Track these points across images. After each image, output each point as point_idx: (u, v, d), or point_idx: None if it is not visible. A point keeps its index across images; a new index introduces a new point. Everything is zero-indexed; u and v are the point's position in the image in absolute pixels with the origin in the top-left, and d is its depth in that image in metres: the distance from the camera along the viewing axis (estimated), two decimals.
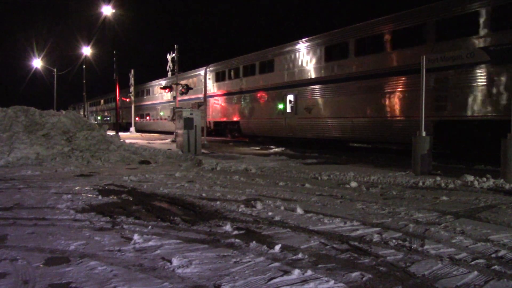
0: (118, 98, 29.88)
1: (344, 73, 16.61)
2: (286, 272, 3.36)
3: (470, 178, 8.06)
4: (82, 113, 43.91)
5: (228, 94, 25.28)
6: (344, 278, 3.26)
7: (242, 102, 23.78)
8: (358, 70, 15.92)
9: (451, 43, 12.19)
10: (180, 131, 15.75)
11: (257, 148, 18.58)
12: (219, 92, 26.29)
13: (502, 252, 3.88)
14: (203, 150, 15.66)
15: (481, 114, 11.69)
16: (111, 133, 18.98)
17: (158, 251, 3.93)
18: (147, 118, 42.13)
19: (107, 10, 27.94)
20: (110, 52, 30.20)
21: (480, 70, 11.62)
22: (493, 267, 3.49)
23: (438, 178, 8.29)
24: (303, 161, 12.14)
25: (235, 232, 4.61)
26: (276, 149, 17.34)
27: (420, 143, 9.33)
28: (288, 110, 19.71)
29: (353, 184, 7.89)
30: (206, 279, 3.25)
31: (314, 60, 18.28)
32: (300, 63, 19.13)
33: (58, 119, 14.95)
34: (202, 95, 25.61)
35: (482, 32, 11.53)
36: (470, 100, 11.92)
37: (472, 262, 3.63)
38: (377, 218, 5.28)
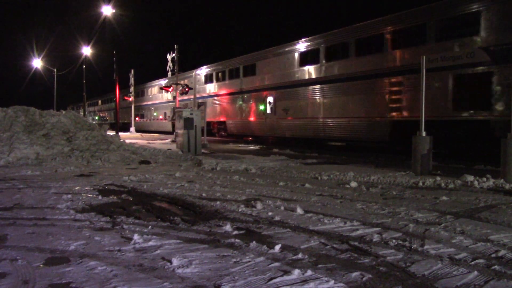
0: (118, 98, 29.87)
1: (316, 77, 18.02)
2: (286, 272, 3.36)
3: (470, 178, 8.06)
4: (81, 113, 43.90)
5: (215, 95, 26.75)
6: (344, 278, 3.26)
7: (228, 104, 25.36)
8: (328, 74, 17.36)
9: (408, 51, 13.94)
10: (180, 131, 15.75)
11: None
12: (208, 94, 27.63)
13: (502, 252, 3.88)
14: (203, 150, 15.67)
15: (435, 115, 12.88)
16: (111, 133, 19.00)
17: (158, 251, 3.93)
18: (147, 118, 42.15)
19: (107, 10, 27.94)
20: (110, 52, 30.23)
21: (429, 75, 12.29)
22: (493, 267, 3.49)
23: (438, 178, 8.29)
24: (303, 161, 12.14)
25: (235, 232, 4.61)
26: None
27: (420, 143, 9.33)
28: (268, 111, 21.30)
29: (353, 184, 7.89)
30: (206, 279, 3.25)
31: (290, 65, 19.65)
32: (278, 67, 20.63)
33: (58, 119, 14.95)
34: (200, 95, 26.62)
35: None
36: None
37: (472, 262, 3.63)
38: (377, 218, 5.28)
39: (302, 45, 18.85)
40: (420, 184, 8.06)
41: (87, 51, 42.13)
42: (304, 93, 18.64)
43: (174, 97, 27.20)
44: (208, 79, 27.92)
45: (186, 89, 25.08)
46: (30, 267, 3.52)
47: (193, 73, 28.90)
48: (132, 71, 39.90)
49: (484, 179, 7.98)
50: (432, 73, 11.94)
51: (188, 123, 15.02)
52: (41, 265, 3.57)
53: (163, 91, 33.41)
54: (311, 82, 18.21)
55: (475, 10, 11.88)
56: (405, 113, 14.03)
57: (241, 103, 23.79)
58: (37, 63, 54.99)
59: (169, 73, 29.00)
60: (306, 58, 18.59)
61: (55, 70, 52.53)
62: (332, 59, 17.09)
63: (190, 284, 3.16)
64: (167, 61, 28.54)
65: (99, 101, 65.58)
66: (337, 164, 11.42)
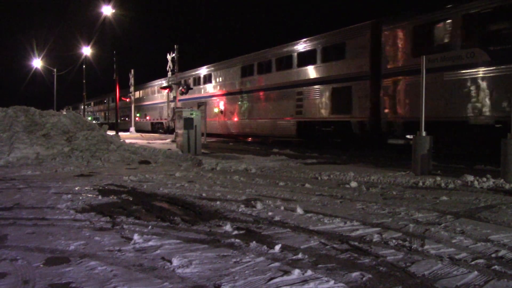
0: (118, 98, 29.87)
1: (251, 86, 23.58)
2: (286, 272, 3.36)
3: (470, 178, 8.06)
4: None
5: (188, 99, 31.29)
6: (344, 278, 3.26)
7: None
8: (259, 85, 22.86)
9: (305, 69, 19.18)
10: (180, 131, 15.75)
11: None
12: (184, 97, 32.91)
13: (502, 252, 3.88)
14: (203, 150, 15.66)
15: (321, 116, 18.12)
16: (111, 133, 18.99)
17: (158, 251, 3.93)
18: (147, 118, 42.17)
19: (107, 10, 27.94)
20: (110, 52, 30.25)
21: (317, 87, 18.33)
22: (493, 267, 3.49)
23: (438, 178, 8.29)
24: (303, 161, 12.14)
25: (235, 232, 4.61)
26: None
27: (420, 143, 9.33)
28: (221, 113, 26.92)
29: (353, 184, 7.89)
30: (206, 279, 3.25)
31: (235, 76, 25.35)
32: (226, 77, 26.42)
33: (58, 119, 14.95)
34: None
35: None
36: (316, 107, 18.48)
37: (472, 262, 3.63)
38: (377, 218, 5.28)
39: (242, 60, 24.63)
40: (420, 184, 8.06)
41: (87, 51, 42.14)
42: (245, 99, 24.14)
43: (174, 97, 27.23)
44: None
45: (186, 90, 25.19)
46: (30, 267, 3.52)
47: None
48: (132, 71, 39.92)
49: (484, 179, 7.98)
50: (320, 86, 18.13)
51: (188, 123, 15.02)
52: (41, 265, 3.57)
53: (162, 91, 33.64)
54: (247, 90, 23.89)
55: (341, 42, 17.16)
56: (307, 115, 18.98)
57: (206, 106, 28.04)
58: (37, 63, 55.05)
59: (169, 73, 29.01)
60: (245, 71, 24.18)
61: (55, 70, 52.56)
62: (261, 73, 22.71)
63: (190, 284, 3.16)
64: (167, 61, 28.54)
65: (92, 103, 69.29)
66: (337, 164, 11.42)
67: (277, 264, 3.58)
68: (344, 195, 6.97)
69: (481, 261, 3.65)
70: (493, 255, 3.82)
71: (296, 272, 3.32)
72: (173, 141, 20.31)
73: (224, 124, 26.38)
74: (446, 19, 12.74)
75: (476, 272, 3.37)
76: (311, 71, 18.67)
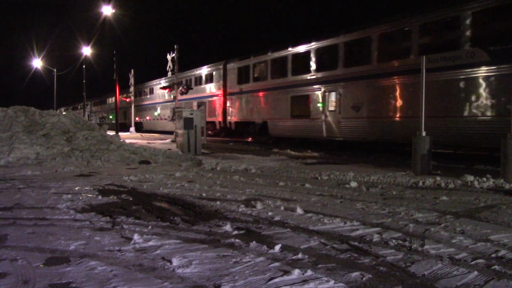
0: (118, 98, 29.87)
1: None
2: (286, 272, 3.36)
3: (470, 178, 8.06)
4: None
5: (156, 103, 39.90)
6: (344, 278, 3.26)
7: (149, 110, 41.59)
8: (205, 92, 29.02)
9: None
10: (180, 131, 15.74)
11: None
12: (147, 102, 42.60)
13: (502, 252, 3.88)
14: (203, 150, 15.66)
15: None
16: (111, 133, 18.98)
17: (158, 251, 3.93)
18: (147, 118, 42.14)
19: (107, 10, 27.93)
20: (110, 52, 30.28)
21: (204, 100, 26.78)
22: (493, 267, 3.49)
23: (438, 178, 8.29)
24: (303, 161, 12.14)
25: (235, 232, 4.61)
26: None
27: (420, 143, 9.32)
28: (159, 115, 37.40)
29: (353, 184, 7.89)
30: (206, 279, 3.25)
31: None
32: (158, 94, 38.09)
33: (58, 119, 14.95)
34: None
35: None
36: (208, 112, 26.48)
37: (472, 262, 3.63)
38: (377, 218, 5.28)
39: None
40: (420, 184, 8.06)
41: (87, 51, 42.11)
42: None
43: (174, 97, 27.26)
44: (149, 91, 42.67)
45: (186, 90, 25.29)
46: (30, 267, 3.52)
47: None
48: (132, 71, 39.90)
49: (484, 179, 7.98)
50: (205, 99, 27.90)
51: (188, 123, 15.01)
52: (41, 265, 3.57)
53: (161, 91, 33.83)
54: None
55: (211, 72, 27.25)
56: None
57: (160, 110, 38.20)
58: (37, 63, 54.98)
59: (169, 73, 29.01)
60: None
61: (55, 70, 52.53)
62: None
63: (190, 284, 3.16)
64: (167, 61, 28.52)
65: (89, 104, 69.01)
66: (337, 164, 11.42)
67: (277, 264, 3.58)
68: (344, 195, 6.97)
69: (481, 261, 3.65)
70: (493, 255, 3.82)
71: (296, 272, 3.32)
72: (173, 141, 20.31)
73: (161, 124, 37.86)
74: (253, 64, 22.35)
75: (476, 272, 3.37)
76: (204, 89, 28.56)
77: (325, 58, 17.22)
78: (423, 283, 3.18)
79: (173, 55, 26.18)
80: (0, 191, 7.45)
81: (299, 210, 5.56)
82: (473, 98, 11.74)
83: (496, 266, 3.50)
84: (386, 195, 6.98)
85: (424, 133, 9.44)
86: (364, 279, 3.25)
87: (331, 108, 16.60)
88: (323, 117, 17.02)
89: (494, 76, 11.32)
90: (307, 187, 7.77)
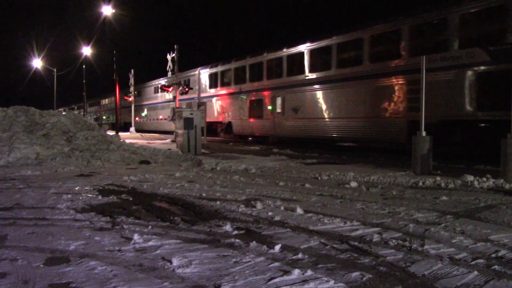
0: (118, 98, 29.86)
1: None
2: (286, 272, 3.36)
3: (470, 178, 8.06)
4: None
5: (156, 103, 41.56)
6: (344, 278, 3.26)
7: (146, 111, 43.28)
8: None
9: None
10: (180, 131, 15.74)
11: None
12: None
13: (502, 252, 3.88)
14: (203, 150, 15.66)
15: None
16: (111, 133, 18.99)
17: (158, 251, 3.93)
18: (147, 118, 42.17)
19: (107, 10, 27.94)
20: (110, 52, 30.27)
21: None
22: (493, 267, 3.49)
23: (438, 178, 8.29)
24: (303, 161, 12.14)
25: (235, 232, 4.61)
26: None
27: (420, 143, 9.33)
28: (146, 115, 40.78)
29: (353, 184, 7.89)
30: (206, 279, 3.25)
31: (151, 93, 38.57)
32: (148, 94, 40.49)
33: (58, 119, 14.95)
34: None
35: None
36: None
37: (472, 262, 3.63)
38: (377, 218, 5.28)
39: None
40: (420, 184, 8.06)
41: (87, 51, 42.12)
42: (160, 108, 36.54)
43: (174, 97, 27.26)
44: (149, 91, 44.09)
45: (186, 89, 25.30)
46: (30, 267, 3.52)
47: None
48: (132, 71, 39.90)
49: (484, 179, 7.98)
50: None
51: (188, 123, 15.01)
52: (41, 265, 3.57)
53: (161, 91, 33.81)
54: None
55: (188, 78, 29.39)
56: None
57: (149, 111, 40.79)
58: (37, 63, 55.01)
59: (169, 73, 29.02)
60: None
61: (55, 70, 52.55)
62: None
63: (190, 284, 3.16)
64: (167, 61, 28.53)
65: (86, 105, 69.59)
66: (337, 164, 11.42)
67: (277, 264, 3.58)
68: (344, 195, 6.97)
69: (481, 261, 3.65)
70: (493, 255, 3.82)
71: (296, 272, 3.32)
72: (173, 141, 20.32)
73: (147, 123, 42.03)
74: (221, 71, 25.45)
75: (476, 272, 3.37)
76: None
77: (274, 68, 20.55)
78: (423, 283, 3.18)
79: (173, 55, 26.18)
80: (0, 191, 7.46)
81: (299, 210, 5.56)
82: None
83: (496, 266, 3.50)
84: (386, 195, 6.98)
85: (424, 133, 9.44)
86: (364, 279, 3.25)
87: (278, 110, 19.86)
88: (272, 117, 20.28)
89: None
90: (307, 187, 7.77)
